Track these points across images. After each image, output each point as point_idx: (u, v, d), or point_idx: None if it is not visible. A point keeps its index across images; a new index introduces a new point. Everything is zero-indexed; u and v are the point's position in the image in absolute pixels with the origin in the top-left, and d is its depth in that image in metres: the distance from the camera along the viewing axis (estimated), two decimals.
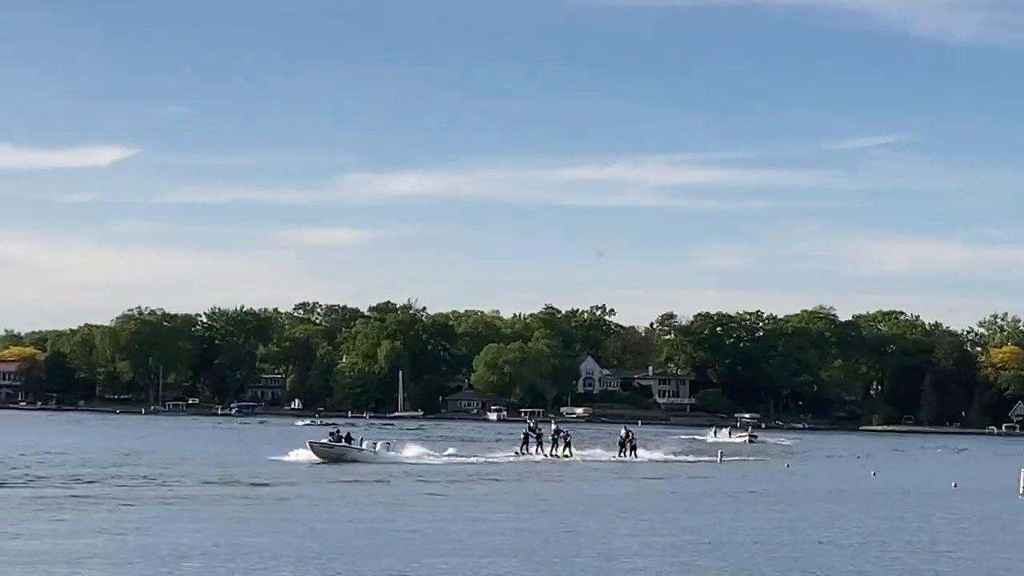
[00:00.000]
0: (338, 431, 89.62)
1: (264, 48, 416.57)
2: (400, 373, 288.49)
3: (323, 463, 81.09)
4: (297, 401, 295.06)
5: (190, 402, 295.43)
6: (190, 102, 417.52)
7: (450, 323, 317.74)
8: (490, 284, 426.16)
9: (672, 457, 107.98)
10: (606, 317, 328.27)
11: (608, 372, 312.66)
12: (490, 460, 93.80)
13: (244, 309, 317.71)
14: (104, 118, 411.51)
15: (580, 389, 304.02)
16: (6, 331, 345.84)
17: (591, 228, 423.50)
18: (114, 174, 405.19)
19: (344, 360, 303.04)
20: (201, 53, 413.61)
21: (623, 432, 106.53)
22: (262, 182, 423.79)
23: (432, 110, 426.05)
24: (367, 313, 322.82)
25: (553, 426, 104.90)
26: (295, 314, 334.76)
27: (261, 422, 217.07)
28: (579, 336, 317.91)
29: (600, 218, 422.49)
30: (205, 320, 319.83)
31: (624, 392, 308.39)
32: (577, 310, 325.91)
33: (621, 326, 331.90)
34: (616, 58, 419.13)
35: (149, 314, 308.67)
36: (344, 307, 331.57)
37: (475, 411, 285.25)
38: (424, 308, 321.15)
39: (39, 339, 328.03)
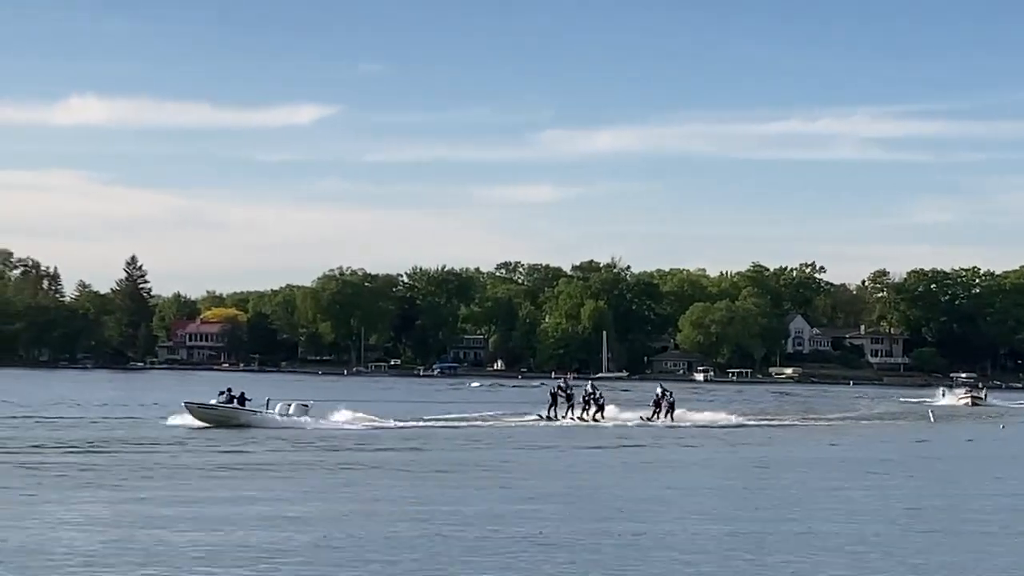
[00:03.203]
0: (229, 390, 77.60)
1: (462, 3, 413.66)
2: (604, 333, 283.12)
3: (207, 427, 71.76)
4: (500, 362, 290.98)
5: (392, 363, 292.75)
6: (388, 59, 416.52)
7: (655, 282, 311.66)
8: (694, 242, 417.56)
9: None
10: (815, 275, 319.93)
11: (818, 331, 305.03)
12: (482, 423, 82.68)
13: (445, 269, 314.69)
14: (305, 77, 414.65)
15: (789, 349, 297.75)
16: (208, 292, 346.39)
17: (798, 183, 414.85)
18: (314, 132, 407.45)
19: (547, 320, 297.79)
20: (399, 9, 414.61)
21: (658, 390, 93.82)
22: (460, 139, 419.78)
23: (632, 64, 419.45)
24: (570, 272, 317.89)
25: (589, 387, 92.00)
26: (497, 273, 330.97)
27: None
28: (788, 294, 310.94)
29: (807, 172, 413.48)
30: (406, 280, 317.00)
31: (835, 352, 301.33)
32: (785, 268, 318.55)
33: (831, 284, 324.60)
34: (822, 9, 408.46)
35: (351, 274, 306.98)
36: (547, 266, 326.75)
37: (681, 371, 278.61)
38: (628, 267, 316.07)
39: (241, 300, 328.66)
